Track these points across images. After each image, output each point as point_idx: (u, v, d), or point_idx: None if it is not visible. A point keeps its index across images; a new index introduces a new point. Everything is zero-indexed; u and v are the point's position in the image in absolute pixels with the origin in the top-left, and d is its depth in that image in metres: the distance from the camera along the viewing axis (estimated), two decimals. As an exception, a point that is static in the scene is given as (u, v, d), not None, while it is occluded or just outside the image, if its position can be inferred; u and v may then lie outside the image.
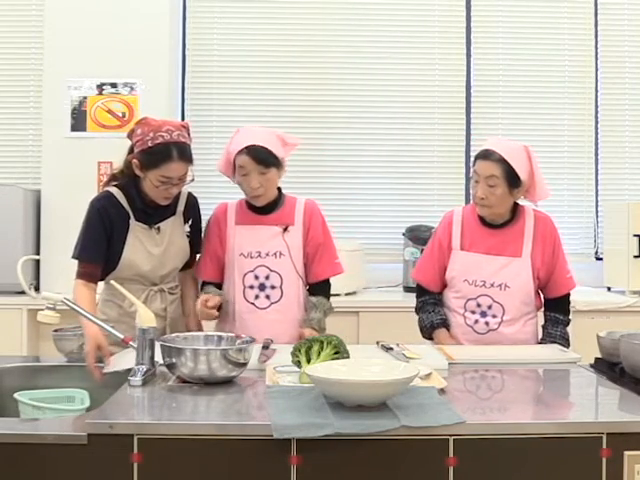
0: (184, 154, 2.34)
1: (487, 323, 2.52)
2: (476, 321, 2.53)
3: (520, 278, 2.51)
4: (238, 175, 2.50)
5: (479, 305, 2.53)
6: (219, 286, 2.60)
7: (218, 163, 2.60)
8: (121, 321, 2.40)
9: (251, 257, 2.54)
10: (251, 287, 2.54)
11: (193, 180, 2.42)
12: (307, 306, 2.58)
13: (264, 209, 2.57)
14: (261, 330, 2.42)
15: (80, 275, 2.37)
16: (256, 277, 2.54)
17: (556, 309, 2.60)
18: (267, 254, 2.54)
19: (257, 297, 2.54)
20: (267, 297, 2.54)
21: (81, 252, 2.39)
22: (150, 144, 2.31)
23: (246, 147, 2.45)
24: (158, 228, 2.46)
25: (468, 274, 2.54)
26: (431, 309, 2.63)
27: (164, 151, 2.30)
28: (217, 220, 2.61)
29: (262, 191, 2.50)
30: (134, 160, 2.36)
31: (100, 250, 2.39)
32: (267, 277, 2.54)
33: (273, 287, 2.54)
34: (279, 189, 2.62)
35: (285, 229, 2.56)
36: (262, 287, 2.54)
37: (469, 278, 2.53)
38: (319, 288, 2.62)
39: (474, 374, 2.12)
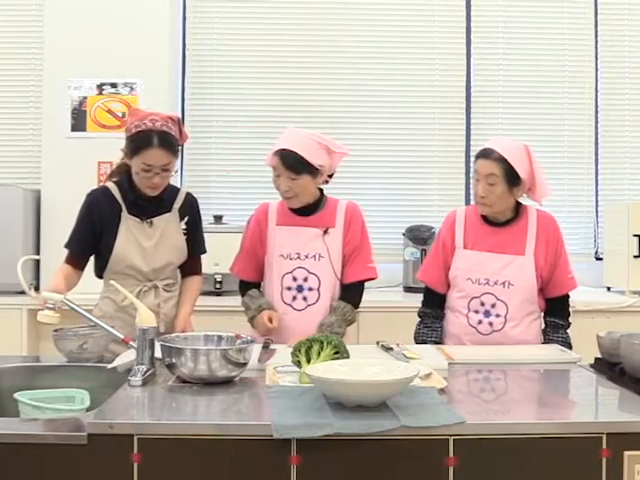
0: (165, 142, 2.38)
1: (491, 324, 2.52)
2: (480, 321, 2.52)
3: (523, 276, 2.51)
4: (273, 175, 2.54)
5: (483, 304, 2.52)
6: (257, 286, 2.65)
7: (268, 156, 2.60)
8: (116, 317, 2.45)
9: (290, 259, 2.56)
10: (289, 288, 2.57)
11: (177, 172, 2.47)
12: (330, 309, 2.58)
13: (305, 211, 2.59)
14: (296, 331, 2.45)
15: (67, 260, 2.51)
16: (294, 279, 2.56)
17: (556, 313, 2.59)
18: (306, 256, 2.56)
19: (294, 298, 2.56)
20: (304, 299, 2.56)
21: (70, 242, 2.53)
22: (133, 131, 2.39)
23: (278, 150, 2.49)
24: (150, 222, 2.50)
25: (472, 272, 2.53)
26: (429, 323, 2.64)
27: (144, 138, 2.37)
28: (258, 220, 2.65)
29: (291, 194, 2.52)
30: (124, 149, 2.45)
31: (84, 242, 2.50)
32: (305, 279, 2.56)
33: (311, 289, 2.56)
34: (321, 191, 2.63)
35: (325, 231, 2.57)
36: (300, 289, 2.56)
37: (472, 276, 2.53)
38: (347, 290, 2.62)
39: (474, 374, 2.12)
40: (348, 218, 2.62)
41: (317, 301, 2.56)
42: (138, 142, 2.37)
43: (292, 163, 2.47)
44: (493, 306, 2.52)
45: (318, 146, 2.53)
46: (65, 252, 2.52)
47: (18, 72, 4.22)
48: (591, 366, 2.19)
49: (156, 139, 2.36)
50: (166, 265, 2.53)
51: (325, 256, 2.57)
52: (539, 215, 2.57)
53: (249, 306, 2.59)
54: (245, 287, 2.68)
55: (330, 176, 2.64)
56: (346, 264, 2.61)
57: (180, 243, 2.55)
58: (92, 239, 2.48)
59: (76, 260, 2.49)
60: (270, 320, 2.50)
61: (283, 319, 2.55)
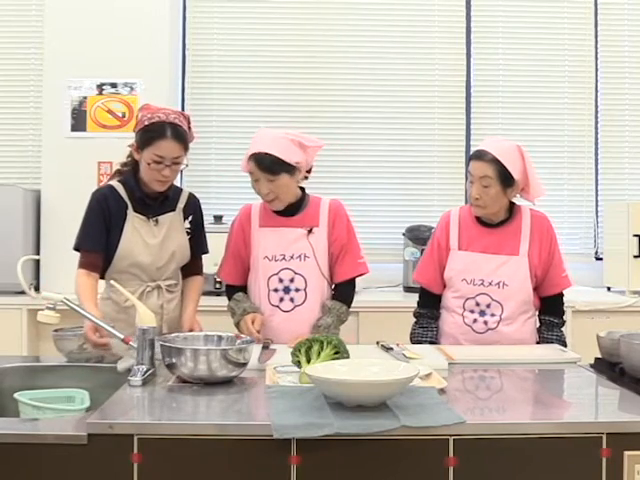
0: (178, 134, 2.39)
1: (486, 322, 2.52)
2: (475, 320, 2.53)
3: (518, 276, 2.51)
4: (251, 180, 2.52)
5: (478, 304, 2.53)
6: (243, 289, 2.63)
7: (242, 163, 2.60)
8: (118, 319, 2.42)
9: (275, 260, 2.54)
10: (275, 290, 2.55)
11: (187, 166, 2.49)
12: (323, 310, 2.57)
13: (288, 211, 2.57)
14: (284, 332, 2.45)
15: (82, 265, 2.41)
16: (280, 280, 2.54)
17: (550, 312, 2.60)
18: (291, 257, 2.54)
19: (282, 300, 2.54)
20: (291, 300, 2.55)
21: (82, 241, 2.45)
22: (146, 122, 2.40)
23: (252, 154, 2.47)
24: (156, 220, 2.50)
25: (466, 273, 2.54)
26: (424, 323, 2.64)
27: (158, 129, 2.38)
28: (241, 222, 2.63)
29: (272, 197, 2.50)
30: (132, 144, 2.45)
31: (101, 238, 2.43)
32: (292, 280, 2.54)
33: (297, 290, 2.54)
34: (303, 190, 2.62)
35: (310, 231, 2.56)
36: (287, 290, 2.54)
37: (467, 277, 2.53)
38: (340, 289, 2.61)
39: (474, 374, 2.12)
40: (332, 216, 2.59)
41: (304, 302, 2.54)
42: (151, 133, 2.38)
43: (268, 165, 2.45)
44: (488, 306, 2.52)
45: (291, 143, 2.50)
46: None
47: (18, 72, 4.22)
48: (591, 366, 2.19)
49: (169, 130, 2.37)
50: (170, 263, 2.53)
51: (310, 256, 2.55)
52: (532, 215, 2.58)
53: (234, 311, 2.58)
54: (232, 291, 2.65)
55: (308, 171, 2.61)
56: (336, 263, 2.60)
57: (184, 242, 2.56)
58: (105, 235, 2.44)
59: (93, 261, 2.41)
60: (253, 322, 2.47)
61: (271, 321, 2.53)
